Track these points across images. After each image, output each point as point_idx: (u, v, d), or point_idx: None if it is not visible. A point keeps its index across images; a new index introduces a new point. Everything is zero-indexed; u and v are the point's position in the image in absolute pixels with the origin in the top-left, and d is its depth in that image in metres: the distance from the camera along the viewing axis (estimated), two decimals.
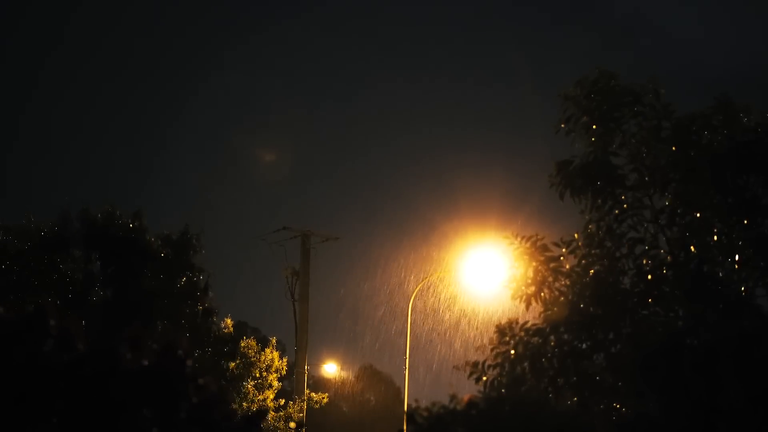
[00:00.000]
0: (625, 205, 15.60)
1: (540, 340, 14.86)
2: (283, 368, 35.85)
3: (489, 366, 14.92)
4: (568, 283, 15.23)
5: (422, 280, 41.07)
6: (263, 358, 34.99)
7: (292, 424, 33.71)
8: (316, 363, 51.33)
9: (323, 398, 37.03)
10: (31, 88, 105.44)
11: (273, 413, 34.91)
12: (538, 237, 15.45)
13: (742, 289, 15.15)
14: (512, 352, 14.83)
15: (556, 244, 15.51)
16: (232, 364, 33.48)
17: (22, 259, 30.07)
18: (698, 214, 15.56)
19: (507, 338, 14.91)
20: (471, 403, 10.50)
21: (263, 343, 35.94)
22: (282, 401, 35.61)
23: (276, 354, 35.57)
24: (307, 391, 36.92)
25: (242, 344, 34.54)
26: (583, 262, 15.36)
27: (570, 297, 15.07)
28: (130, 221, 30.81)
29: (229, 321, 33.75)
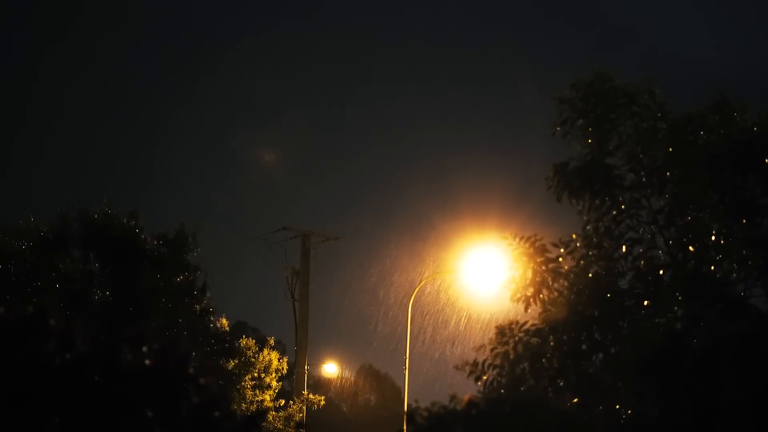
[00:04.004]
0: (623, 206, 15.62)
1: (539, 341, 14.88)
2: (283, 368, 35.76)
3: (489, 365, 14.95)
4: (566, 284, 15.25)
5: (422, 281, 41.11)
6: (261, 358, 34.90)
7: None
8: (316, 363, 51.35)
9: (320, 400, 36.92)
10: (31, 84, 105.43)
11: (273, 413, 34.84)
12: (537, 237, 15.48)
13: (741, 289, 15.19)
14: (512, 352, 14.86)
15: (555, 245, 15.54)
16: (231, 363, 33.36)
17: (21, 259, 30.05)
18: (696, 215, 15.59)
19: (507, 338, 14.93)
20: (471, 403, 10.52)
21: (262, 344, 35.82)
22: (282, 402, 35.54)
23: (274, 354, 35.45)
24: (304, 392, 36.85)
25: (242, 342, 34.46)
26: (582, 262, 15.38)
27: (569, 298, 15.10)
28: (125, 221, 30.77)
29: (224, 321, 33.66)
